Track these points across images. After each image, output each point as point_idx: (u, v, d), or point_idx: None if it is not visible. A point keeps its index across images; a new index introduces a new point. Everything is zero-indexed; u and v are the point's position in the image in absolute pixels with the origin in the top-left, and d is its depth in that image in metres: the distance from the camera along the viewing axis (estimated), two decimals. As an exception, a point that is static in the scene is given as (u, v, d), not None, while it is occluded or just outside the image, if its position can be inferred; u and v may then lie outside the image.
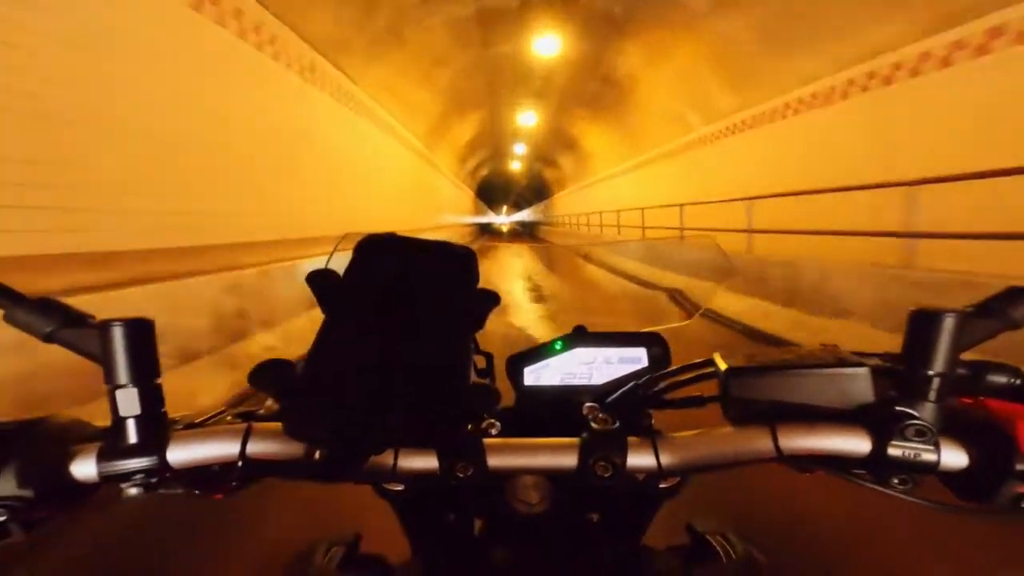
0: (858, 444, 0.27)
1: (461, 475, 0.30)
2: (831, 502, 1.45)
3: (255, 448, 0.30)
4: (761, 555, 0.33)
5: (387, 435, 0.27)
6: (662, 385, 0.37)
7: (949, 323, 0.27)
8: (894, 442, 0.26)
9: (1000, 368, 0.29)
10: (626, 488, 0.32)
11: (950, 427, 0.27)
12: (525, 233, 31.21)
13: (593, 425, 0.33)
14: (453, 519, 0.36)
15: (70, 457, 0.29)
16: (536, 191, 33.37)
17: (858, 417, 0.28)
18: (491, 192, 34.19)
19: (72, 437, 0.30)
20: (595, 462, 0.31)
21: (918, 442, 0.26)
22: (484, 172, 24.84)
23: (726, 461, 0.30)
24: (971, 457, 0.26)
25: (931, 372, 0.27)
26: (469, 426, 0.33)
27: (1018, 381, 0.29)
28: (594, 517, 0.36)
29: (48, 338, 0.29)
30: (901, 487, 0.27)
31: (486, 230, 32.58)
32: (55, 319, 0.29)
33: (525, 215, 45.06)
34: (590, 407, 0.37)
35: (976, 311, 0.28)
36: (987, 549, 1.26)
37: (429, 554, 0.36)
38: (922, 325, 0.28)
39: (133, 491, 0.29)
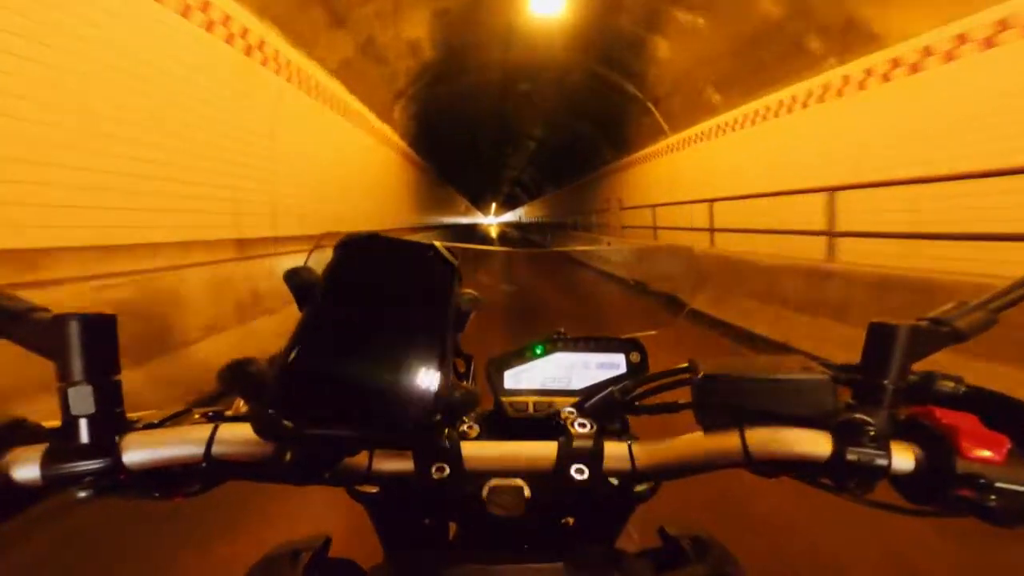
0: (820, 448, 0.29)
1: (437, 477, 0.30)
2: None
3: (221, 449, 0.29)
4: (733, 558, 0.34)
5: (361, 436, 0.26)
6: (639, 391, 0.38)
7: (902, 336, 0.29)
8: (851, 448, 0.28)
9: (946, 378, 0.31)
10: (601, 492, 0.32)
11: (900, 434, 0.29)
12: (523, 240, 19.00)
13: (570, 429, 0.33)
14: (428, 522, 0.36)
15: (11, 459, 0.27)
16: (562, 160, 14.85)
17: (820, 423, 0.30)
18: (456, 160, 14.96)
19: (14, 437, 0.28)
20: (571, 466, 0.31)
21: (872, 448, 0.28)
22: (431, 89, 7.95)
23: (698, 466, 0.31)
24: (917, 462, 0.28)
25: (885, 382, 0.29)
26: (447, 428, 0.32)
27: (962, 389, 0.31)
28: (569, 521, 0.36)
29: None
30: (858, 491, 0.29)
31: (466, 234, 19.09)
32: (5, 311, 0.27)
33: (521, 213, 28.76)
34: (568, 411, 0.38)
35: (927, 325, 0.30)
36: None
37: (402, 558, 0.36)
38: (878, 337, 0.30)
39: (83, 494, 0.27)
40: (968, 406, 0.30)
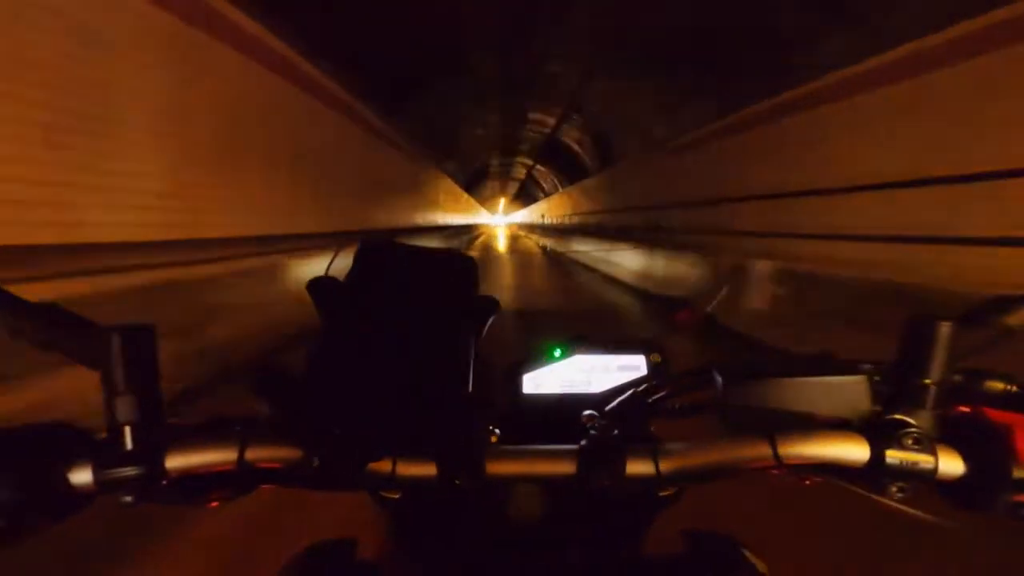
0: (856, 452, 0.28)
1: (459, 483, 0.30)
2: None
3: (253, 455, 0.30)
4: (758, 562, 0.33)
5: (386, 442, 0.27)
6: (661, 393, 0.37)
7: (945, 332, 0.27)
8: (891, 451, 0.27)
9: (996, 376, 0.29)
10: (624, 497, 0.32)
11: (947, 436, 0.27)
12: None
13: (592, 433, 0.33)
14: (451, 528, 0.36)
15: (68, 464, 0.29)
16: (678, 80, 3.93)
17: (855, 425, 0.28)
18: (436, 108, 6.45)
19: (71, 444, 0.30)
20: (594, 470, 0.31)
21: (915, 450, 0.26)
22: None
23: (725, 470, 0.30)
24: (968, 466, 0.26)
25: (928, 380, 0.27)
26: (469, 433, 0.33)
27: (1014, 389, 0.29)
28: (592, 526, 0.36)
29: (45, 345, 0.29)
30: (899, 495, 0.27)
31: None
32: (54, 326, 0.29)
33: (544, 209, 17.85)
34: (589, 415, 0.37)
35: (972, 319, 0.28)
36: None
37: (426, 563, 0.36)
38: (918, 333, 0.28)
39: (127, 499, 0.28)
40: (1020, 406, 0.28)
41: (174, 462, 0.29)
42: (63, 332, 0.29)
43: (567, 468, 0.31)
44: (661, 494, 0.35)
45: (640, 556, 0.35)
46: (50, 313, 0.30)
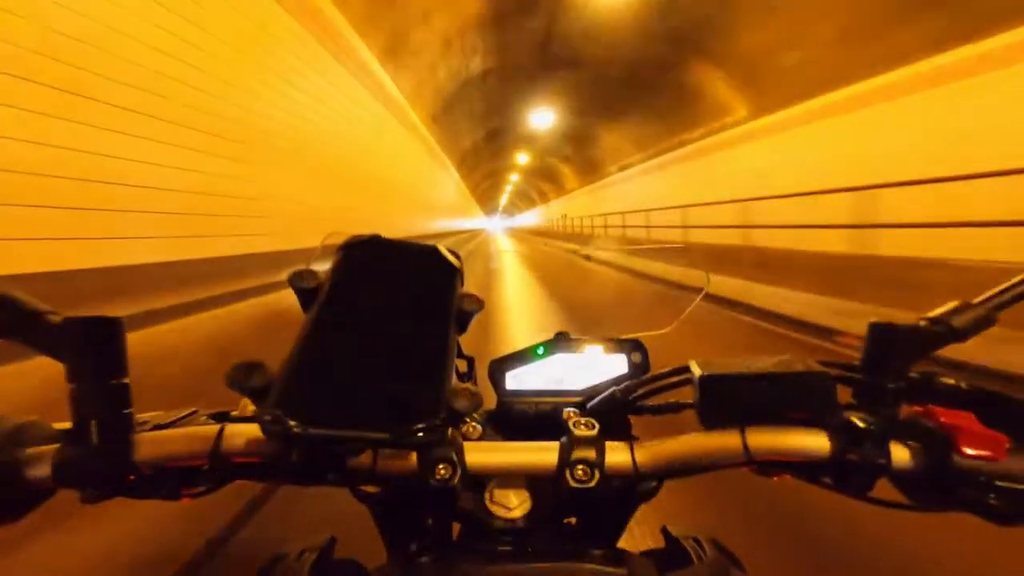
0: (820, 449, 0.29)
1: (440, 478, 0.30)
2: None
3: (228, 449, 0.29)
4: (736, 560, 0.34)
5: (366, 436, 0.27)
6: (641, 391, 0.38)
7: (902, 335, 0.29)
8: (851, 447, 0.28)
9: (946, 377, 0.31)
10: (604, 492, 0.32)
11: (900, 433, 0.29)
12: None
13: (572, 430, 0.33)
14: (431, 523, 0.36)
15: (24, 459, 0.27)
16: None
17: (821, 423, 0.30)
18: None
19: (28, 439, 0.29)
20: (573, 466, 0.31)
21: (871, 447, 0.28)
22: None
23: (700, 465, 0.31)
24: (917, 461, 0.28)
25: (885, 381, 0.29)
26: (449, 429, 0.33)
27: (962, 389, 0.31)
28: (572, 521, 0.36)
29: (7, 334, 0.28)
30: (859, 489, 0.29)
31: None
32: (16, 314, 0.28)
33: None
34: (570, 412, 0.38)
35: (926, 324, 0.30)
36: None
37: (405, 558, 0.36)
38: (878, 337, 0.30)
39: (92, 494, 0.27)
40: (968, 405, 0.30)
41: (143, 455, 0.28)
42: (27, 321, 0.28)
43: (548, 464, 0.32)
44: (639, 489, 0.36)
45: (620, 551, 0.36)
46: (12, 301, 0.28)
